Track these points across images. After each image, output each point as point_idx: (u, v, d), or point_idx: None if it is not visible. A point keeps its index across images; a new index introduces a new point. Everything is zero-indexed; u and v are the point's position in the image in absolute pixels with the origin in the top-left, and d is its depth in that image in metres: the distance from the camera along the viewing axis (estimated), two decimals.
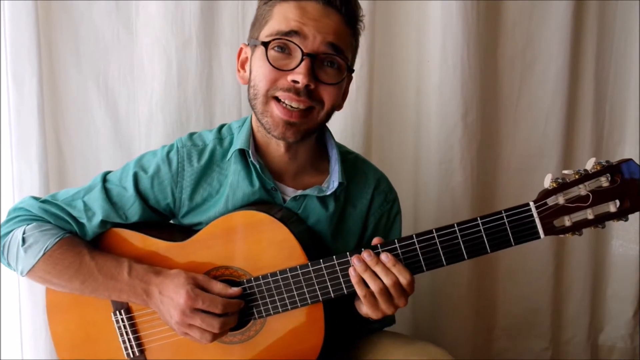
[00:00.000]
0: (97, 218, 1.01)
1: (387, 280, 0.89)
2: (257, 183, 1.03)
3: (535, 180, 1.63)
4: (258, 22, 0.99)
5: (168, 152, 1.05)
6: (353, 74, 1.06)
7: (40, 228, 1.00)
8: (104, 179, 1.04)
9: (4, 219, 1.05)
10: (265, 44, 0.94)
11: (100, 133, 1.37)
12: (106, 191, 1.02)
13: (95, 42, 1.34)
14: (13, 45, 1.23)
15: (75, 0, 1.31)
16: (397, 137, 1.55)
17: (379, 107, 1.51)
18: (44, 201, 1.03)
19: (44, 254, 0.98)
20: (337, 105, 1.03)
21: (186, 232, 1.05)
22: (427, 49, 1.49)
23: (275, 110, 0.95)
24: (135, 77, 1.37)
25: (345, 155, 1.11)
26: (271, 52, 0.95)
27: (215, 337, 0.95)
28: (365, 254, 0.91)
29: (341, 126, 1.43)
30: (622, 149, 1.72)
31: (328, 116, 1.01)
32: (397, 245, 0.92)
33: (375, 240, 0.93)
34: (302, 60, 0.92)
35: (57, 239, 0.99)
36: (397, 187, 1.17)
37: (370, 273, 0.91)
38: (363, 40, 1.39)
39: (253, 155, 1.01)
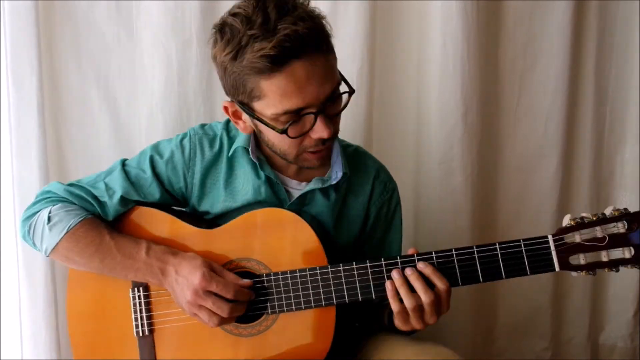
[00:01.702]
0: (117, 195, 1.05)
1: (425, 298, 0.91)
2: (262, 175, 1.06)
3: (536, 180, 1.63)
4: (241, 88, 0.92)
5: (182, 139, 1.10)
6: (338, 62, 1.02)
7: (65, 208, 1.04)
8: (123, 163, 1.10)
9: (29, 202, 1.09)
10: (284, 131, 0.92)
11: (100, 133, 1.37)
12: (125, 173, 1.08)
13: (95, 42, 1.34)
14: (13, 45, 1.23)
15: (75, 0, 1.31)
16: (397, 137, 1.55)
17: (379, 107, 1.51)
18: (70, 184, 1.08)
19: (67, 231, 1.01)
20: None
21: (211, 223, 1.09)
22: (427, 49, 1.48)
23: (311, 158, 0.99)
24: (135, 77, 1.37)
25: (345, 147, 1.14)
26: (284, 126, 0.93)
27: (222, 321, 0.97)
28: (409, 271, 0.92)
29: (342, 126, 1.41)
30: (623, 149, 1.72)
31: None
32: (415, 257, 0.94)
33: (411, 250, 0.95)
34: (315, 119, 0.92)
35: (81, 219, 1.03)
36: (398, 187, 1.18)
37: (407, 288, 0.92)
38: (363, 40, 1.40)
39: (252, 152, 1.05)
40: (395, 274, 0.92)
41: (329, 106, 0.94)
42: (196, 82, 1.37)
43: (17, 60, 1.24)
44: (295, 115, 0.91)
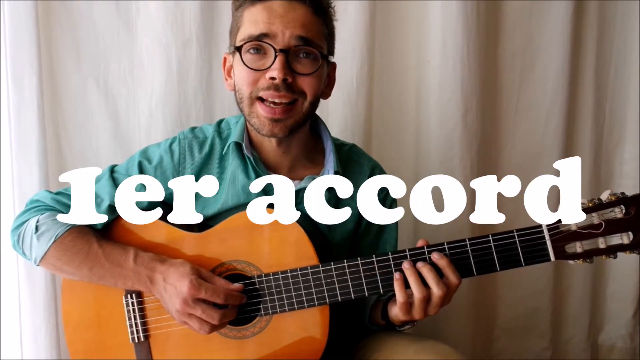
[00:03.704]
0: (105, 204, 1.05)
1: (436, 290, 0.90)
2: (253, 175, 1.05)
3: None
4: (233, 30, 1.03)
5: (171, 144, 1.09)
6: (338, 62, 1.08)
7: (53, 217, 1.03)
8: (112, 170, 1.09)
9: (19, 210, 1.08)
10: (239, 48, 0.98)
11: (100, 133, 1.37)
12: (113, 180, 1.07)
13: (95, 42, 1.34)
14: (13, 45, 1.23)
15: (75, 0, 1.31)
16: (397, 137, 1.55)
17: (379, 107, 1.51)
18: (57, 193, 1.08)
19: (54, 240, 1.01)
20: (323, 94, 1.06)
21: (202, 226, 1.08)
22: (427, 49, 1.49)
23: (260, 110, 0.99)
24: (135, 77, 1.36)
25: (340, 147, 1.14)
26: (246, 56, 0.98)
27: (213, 328, 0.97)
28: (420, 264, 0.92)
29: (341, 126, 1.43)
30: (622, 149, 1.72)
31: (313, 106, 1.03)
32: (407, 253, 0.93)
33: (421, 242, 0.94)
34: (275, 56, 0.95)
35: (68, 227, 1.02)
36: None
37: (417, 277, 0.91)
38: (363, 40, 1.40)
39: (247, 148, 1.05)
40: (406, 264, 0.92)
41: (296, 58, 0.98)
42: (196, 82, 1.37)
43: (17, 60, 1.23)
44: (257, 42, 0.97)
